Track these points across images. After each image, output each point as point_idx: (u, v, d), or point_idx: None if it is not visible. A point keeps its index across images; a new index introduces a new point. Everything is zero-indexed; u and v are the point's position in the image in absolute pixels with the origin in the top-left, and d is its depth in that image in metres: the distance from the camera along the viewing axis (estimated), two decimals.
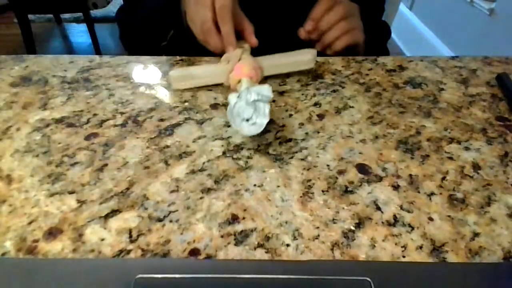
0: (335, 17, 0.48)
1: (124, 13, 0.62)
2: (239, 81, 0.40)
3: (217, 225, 0.27)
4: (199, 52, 0.48)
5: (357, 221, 0.27)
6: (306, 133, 0.37)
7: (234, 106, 0.34)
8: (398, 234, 0.26)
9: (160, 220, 0.28)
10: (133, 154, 0.34)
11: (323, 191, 0.30)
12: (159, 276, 0.23)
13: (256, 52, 0.46)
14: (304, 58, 0.45)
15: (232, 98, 0.35)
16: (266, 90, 0.34)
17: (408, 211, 0.28)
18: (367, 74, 0.48)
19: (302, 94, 0.43)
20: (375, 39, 0.64)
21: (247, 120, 0.34)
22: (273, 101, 0.42)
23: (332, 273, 0.23)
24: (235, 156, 0.34)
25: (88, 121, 0.39)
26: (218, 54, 0.46)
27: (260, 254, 0.25)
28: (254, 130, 0.34)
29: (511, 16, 1.40)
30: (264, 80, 0.45)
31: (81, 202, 0.29)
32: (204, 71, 0.44)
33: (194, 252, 0.25)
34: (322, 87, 0.45)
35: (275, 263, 0.24)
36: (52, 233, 0.27)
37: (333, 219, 0.28)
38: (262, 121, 0.34)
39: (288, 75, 0.47)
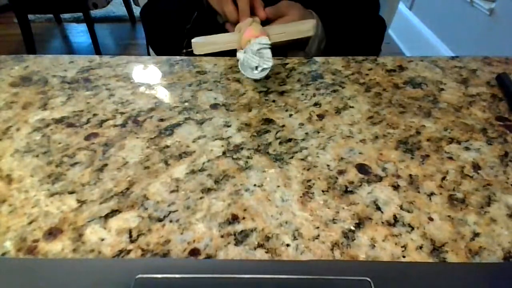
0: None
1: (149, 8, 0.68)
2: (249, 41, 0.45)
3: (217, 225, 0.27)
4: (219, 30, 0.53)
5: (357, 221, 0.27)
6: (306, 133, 0.37)
7: (243, 59, 0.43)
8: (398, 234, 0.26)
9: (160, 220, 0.28)
10: (133, 154, 0.34)
11: (323, 191, 0.30)
12: (159, 276, 0.23)
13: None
14: (304, 27, 0.50)
15: (240, 54, 0.44)
16: (265, 39, 0.43)
17: (408, 211, 0.28)
18: (367, 74, 0.48)
19: (302, 94, 0.43)
20: (370, 34, 0.64)
21: (256, 67, 0.43)
22: (273, 101, 0.42)
23: (332, 273, 0.23)
24: (235, 156, 0.34)
25: (88, 121, 0.39)
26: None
27: (260, 254, 0.25)
28: (263, 74, 0.43)
29: (511, 16, 1.40)
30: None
31: (81, 202, 0.29)
32: (222, 39, 0.50)
33: (194, 252, 0.25)
34: (322, 87, 0.45)
35: (275, 263, 0.24)
36: (52, 233, 0.27)
37: (333, 219, 0.28)
38: (268, 64, 0.42)
39: (288, 75, 0.47)
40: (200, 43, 0.50)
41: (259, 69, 0.43)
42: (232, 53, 0.49)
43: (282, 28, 0.51)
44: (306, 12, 0.55)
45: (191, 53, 0.52)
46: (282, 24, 0.51)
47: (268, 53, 0.43)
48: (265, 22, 0.52)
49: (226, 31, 0.54)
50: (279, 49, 0.51)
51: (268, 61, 0.42)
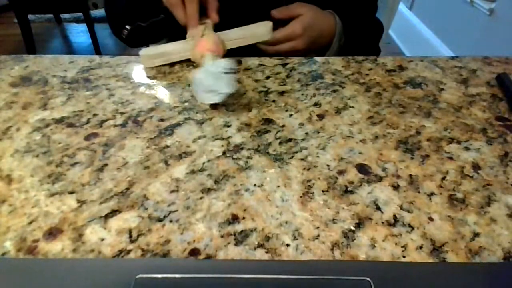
0: (293, 45, 0.53)
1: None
2: (202, 56, 0.42)
3: (217, 225, 0.27)
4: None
5: (357, 221, 0.27)
6: (306, 133, 0.37)
7: (196, 80, 0.37)
8: (398, 234, 0.26)
9: (160, 220, 0.28)
10: (133, 154, 0.34)
11: (323, 191, 0.30)
12: (159, 276, 0.23)
13: (219, 28, 0.48)
14: (260, 31, 0.48)
15: (196, 73, 0.38)
16: (228, 63, 0.37)
17: (408, 211, 0.28)
18: (367, 74, 0.48)
19: (302, 94, 0.43)
20: (368, 36, 0.65)
21: (212, 91, 0.37)
22: (273, 101, 0.42)
23: (332, 273, 0.23)
24: (235, 156, 0.34)
25: (88, 121, 0.39)
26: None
27: (260, 254, 0.25)
28: (218, 99, 0.37)
29: (511, 16, 1.40)
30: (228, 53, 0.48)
31: (81, 202, 0.29)
32: (172, 48, 0.46)
33: (194, 252, 0.25)
34: (322, 87, 0.45)
35: (275, 263, 0.24)
36: (52, 233, 0.27)
37: (333, 219, 0.28)
38: (226, 90, 0.37)
39: (288, 75, 0.47)
40: (148, 56, 0.46)
41: (215, 93, 0.37)
42: (188, 60, 0.46)
43: (238, 32, 0.48)
44: (324, 12, 0.54)
45: (134, 31, 0.48)
46: (237, 28, 0.49)
47: (231, 78, 0.37)
48: (218, 26, 0.49)
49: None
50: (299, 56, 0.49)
51: (226, 88, 0.37)
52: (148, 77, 0.47)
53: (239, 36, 0.48)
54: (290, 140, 0.36)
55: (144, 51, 0.46)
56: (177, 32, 0.49)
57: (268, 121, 0.39)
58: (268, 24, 0.49)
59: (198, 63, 0.43)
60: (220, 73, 0.37)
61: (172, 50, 0.46)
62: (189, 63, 0.50)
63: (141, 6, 0.53)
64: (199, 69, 0.39)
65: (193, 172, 0.32)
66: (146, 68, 0.48)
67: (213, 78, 0.37)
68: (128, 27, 0.53)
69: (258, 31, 0.48)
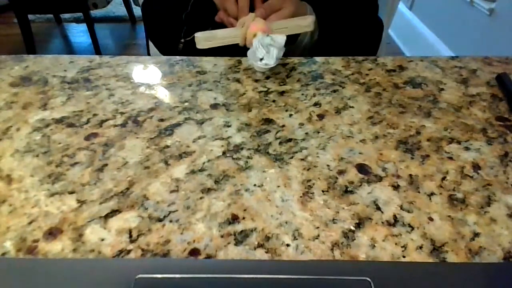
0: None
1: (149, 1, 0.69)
2: (255, 35, 0.47)
3: (217, 225, 0.27)
4: (216, 16, 0.55)
5: (357, 221, 0.27)
6: (306, 133, 0.37)
7: (254, 47, 0.46)
8: (398, 234, 0.26)
9: (160, 220, 0.28)
10: (133, 154, 0.34)
11: (323, 191, 0.30)
12: (159, 276, 0.23)
13: None
14: (304, 22, 0.52)
15: (254, 41, 0.46)
16: (280, 38, 0.46)
17: (408, 211, 0.28)
18: (367, 74, 0.48)
19: (302, 94, 0.43)
20: (367, 35, 0.65)
21: (261, 59, 0.45)
22: (273, 101, 0.42)
23: (332, 273, 0.23)
24: (235, 156, 0.34)
25: (88, 121, 0.39)
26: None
27: (260, 254, 0.25)
28: (265, 68, 0.46)
29: (511, 16, 1.40)
30: None
31: (81, 202, 0.29)
32: (224, 33, 0.51)
33: (194, 252, 0.25)
34: (322, 87, 0.45)
35: (275, 263, 0.24)
36: (52, 233, 0.27)
37: (333, 219, 0.28)
38: (270, 61, 0.45)
39: (288, 75, 0.47)
40: (202, 37, 0.51)
41: (263, 62, 0.45)
42: (233, 48, 0.49)
43: (283, 23, 0.52)
44: (300, 4, 0.55)
45: (190, 43, 0.52)
46: (283, 20, 0.52)
47: (274, 52, 0.45)
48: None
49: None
50: None
51: (271, 59, 0.45)
52: (148, 77, 0.47)
53: (284, 25, 0.51)
54: (290, 140, 0.36)
55: (199, 34, 0.51)
56: (213, 11, 0.54)
57: (268, 121, 0.39)
58: (311, 17, 0.52)
59: (249, 41, 0.49)
60: (268, 45, 0.45)
61: (224, 35, 0.51)
62: (190, 62, 0.50)
63: (200, 20, 0.58)
64: (254, 40, 0.46)
65: (193, 172, 0.32)
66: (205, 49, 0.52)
67: (261, 48, 0.45)
68: (182, 40, 0.59)
69: (302, 22, 0.52)
